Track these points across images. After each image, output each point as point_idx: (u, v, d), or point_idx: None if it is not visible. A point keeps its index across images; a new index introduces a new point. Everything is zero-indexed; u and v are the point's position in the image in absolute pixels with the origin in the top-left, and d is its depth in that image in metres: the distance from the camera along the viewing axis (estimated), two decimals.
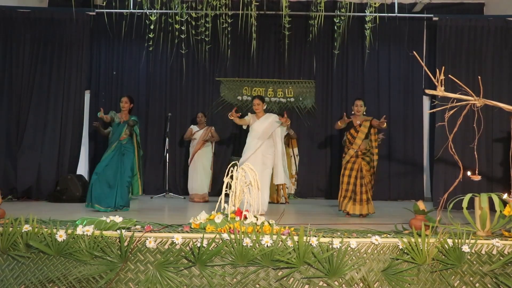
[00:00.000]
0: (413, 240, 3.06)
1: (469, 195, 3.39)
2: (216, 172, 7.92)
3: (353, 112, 5.56)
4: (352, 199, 5.32)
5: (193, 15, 6.47)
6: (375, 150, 5.57)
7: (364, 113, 5.59)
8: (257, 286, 3.07)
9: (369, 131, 5.45)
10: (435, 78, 3.05)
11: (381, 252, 3.12)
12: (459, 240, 3.07)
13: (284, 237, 3.06)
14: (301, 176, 8.49)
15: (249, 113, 5.78)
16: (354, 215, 5.33)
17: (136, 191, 6.31)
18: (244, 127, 5.83)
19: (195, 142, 7.48)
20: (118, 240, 3.09)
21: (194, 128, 7.60)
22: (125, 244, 3.07)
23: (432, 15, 7.28)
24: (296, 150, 7.97)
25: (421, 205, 3.56)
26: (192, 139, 7.55)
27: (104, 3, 7.31)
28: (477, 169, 3.36)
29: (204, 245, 3.02)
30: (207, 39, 6.55)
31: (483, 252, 3.14)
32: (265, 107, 5.73)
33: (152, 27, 6.30)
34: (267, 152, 5.57)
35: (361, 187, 5.32)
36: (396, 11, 7.43)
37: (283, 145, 6.50)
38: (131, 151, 5.74)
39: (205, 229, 3.24)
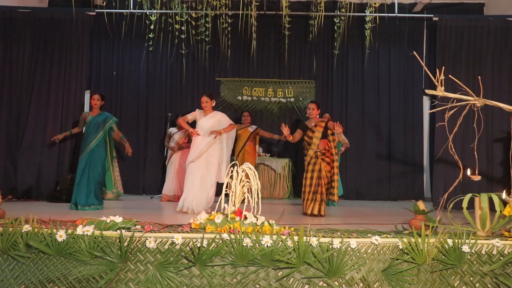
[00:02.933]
0: (413, 240, 3.06)
1: (469, 195, 3.40)
2: None
3: (307, 115, 5.65)
4: (313, 200, 5.33)
5: (193, 15, 6.47)
6: (334, 150, 5.58)
7: (318, 116, 5.65)
8: (257, 286, 3.07)
9: (325, 131, 5.49)
10: (435, 78, 3.05)
11: (381, 252, 3.12)
12: (459, 240, 3.07)
13: (284, 237, 3.06)
14: (301, 176, 8.48)
15: (197, 109, 5.73)
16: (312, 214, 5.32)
17: (110, 186, 6.55)
18: (191, 120, 5.74)
19: (172, 145, 7.55)
20: (118, 240, 3.09)
21: (172, 130, 7.66)
22: (125, 244, 3.07)
23: (432, 15, 7.29)
24: (258, 148, 7.82)
25: (421, 205, 3.56)
26: (170, 140, 7.62)
27: (104, 3, 7.32)
28: (477, 169, 3.36)
29: (204, 245, 3.02)
30: (207, 39, 6.56)
31: (483, 252, 3.14)
32: (213, 104, 5.65)
33: (152, 27, 6.31)
34: (212, 151, 5.47)
35: (319, 187, 5.33)
36: (396, 11, 7.43)
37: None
38: (102, 149, 5.75)
39: (205, 229, 3.24)
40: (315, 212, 5.27)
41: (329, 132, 5.53)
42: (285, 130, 5.51)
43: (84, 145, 5.71)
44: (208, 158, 5.46)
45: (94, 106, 5.86)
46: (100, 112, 5.88)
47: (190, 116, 5.66)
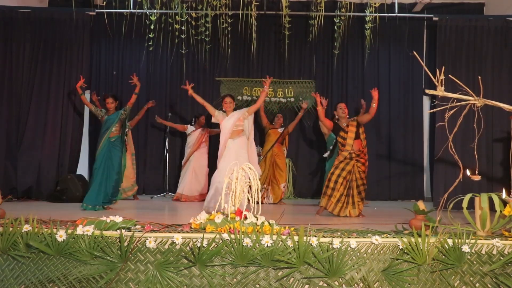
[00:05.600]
0: (413, 240, 3.05)
1: (469, 195, 3.39)
2: None
3: (337, 116, 5.60)
4: (344, 202, 5.28)
5: (193, 15, 6.47)
6: (365, 149, 5.56)
7: (347, 116, 5.62)
8: (257, 286, 3.07)
9: (357, 130, 5.45)
10: (435, 78, 3.05)
11: (381, 252, 3.12)
12: (459, 240, 3.07)
13: (284, 237, 3.06)
14: (301, 176, 8.49)
15: (220, 111, 5.74)
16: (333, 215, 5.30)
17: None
18: (214, 119, 5.79)
19: (191, 143, 7.50)
20: (118, 240, 3.09)
21: (190, 128, 7.62)
22: (125, 244, 3.06)
23: (432, 15, 7.29)
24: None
25: (421, 205, 3.56)
26: (188, 139, 7.57)
27: (104, 3, 7.31)
28: (477, 169, 3.36)
29: (204, 245, 3.02)
30: (207, 39, 6.55)
31: (483, 252, 3.14)
32: (233, 106, 5.75)
33: (152, 27, 6.30)
34: (241, 149, 5.51)
35: (350, 189, 5.28)
36: (396, 11, 7.43)
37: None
38: (118, 148, 5.78)
39: (205, 229, 3.24)
40: (353, 215, 5.22)
41: (361, 130, 5.49)
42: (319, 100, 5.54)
43: (100, 141, 5.74)
44: (238, 159, 5.47)
45: (109, 109, 5.89)
46: (115, 111, 5.91)
47: (215, 112, 5.68)
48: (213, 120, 5.79)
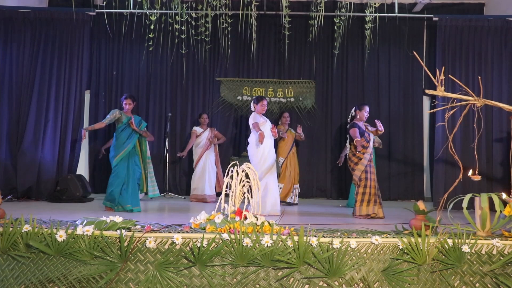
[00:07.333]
0: (413, 240, 3.06)
1: (469, 195, 3.40)
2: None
3: (358, 116, 5.61)
4: (379, 203, 5.28)
5: (193, 15, 6.48)
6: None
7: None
8: (257, 286, 3.07)
9: None
10: (435, 78, 3.05)
11: (381, 252, 3.12)
12: (459, 240, 3.08)
13: (284, 237, 3.06)
14: (302, 176, 8.47)
15: (260, 116, 5.76)
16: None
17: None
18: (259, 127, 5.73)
19: (202, 143, 7.46)
20: (118, 240, 3.09)
21: (198, 129, 7.57)
22: (125, 244, 3.07)
23: (432, 15, 7.29)
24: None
25: (421, 205, 3.56)
26: (197, 140, 7.52)
27: (104, 3, 7.32)
28: (477, 169, 3.36)
29: (204, 245, 3.02)
30: (207, 39, 6.56)
31: (483, 252, 3.14)
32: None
33: (152, 27, 6.31)
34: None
35: (378, 190, 5.35)
36: (396, 11, 7.43)
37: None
38: (136, 150, 5.72)
39: (205, 229, 3.24)
40: (381, 215, 5.22)
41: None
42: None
43: (119, 146, 5.63)
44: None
45: (128, 109, 5.84)
46: (131, 114, 5.85)
47: (260, 126, 5.69)
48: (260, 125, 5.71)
